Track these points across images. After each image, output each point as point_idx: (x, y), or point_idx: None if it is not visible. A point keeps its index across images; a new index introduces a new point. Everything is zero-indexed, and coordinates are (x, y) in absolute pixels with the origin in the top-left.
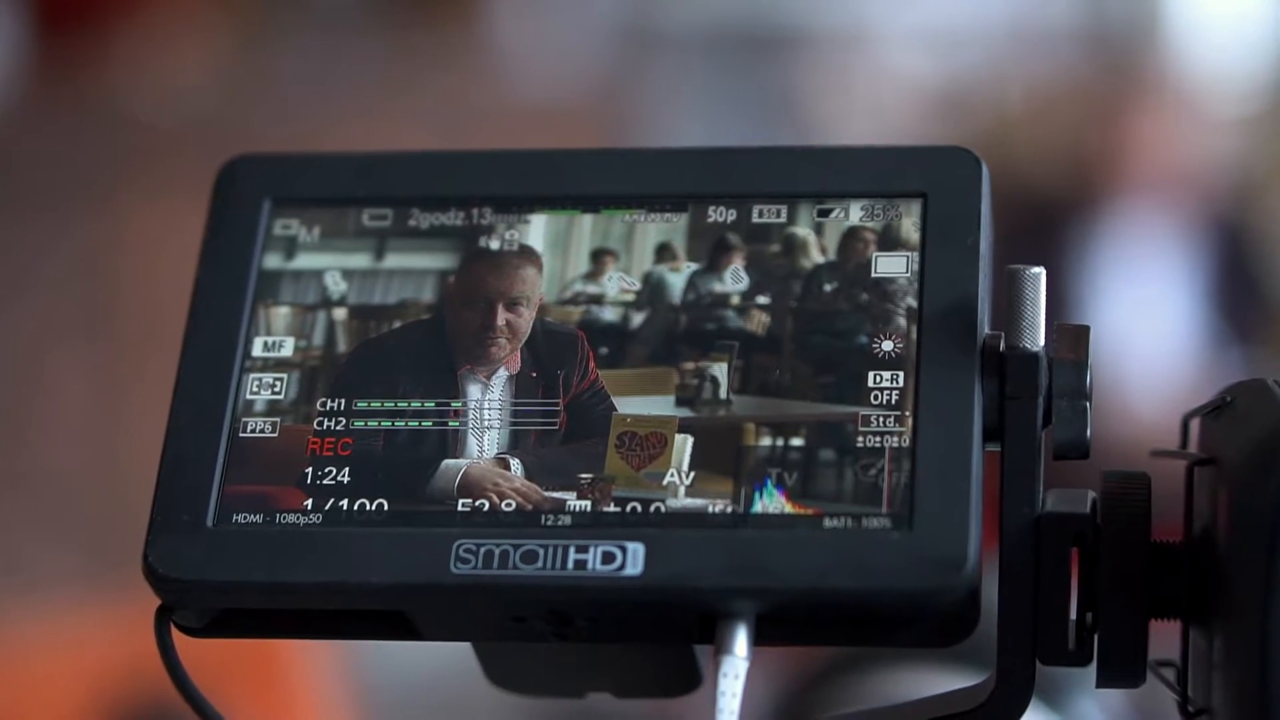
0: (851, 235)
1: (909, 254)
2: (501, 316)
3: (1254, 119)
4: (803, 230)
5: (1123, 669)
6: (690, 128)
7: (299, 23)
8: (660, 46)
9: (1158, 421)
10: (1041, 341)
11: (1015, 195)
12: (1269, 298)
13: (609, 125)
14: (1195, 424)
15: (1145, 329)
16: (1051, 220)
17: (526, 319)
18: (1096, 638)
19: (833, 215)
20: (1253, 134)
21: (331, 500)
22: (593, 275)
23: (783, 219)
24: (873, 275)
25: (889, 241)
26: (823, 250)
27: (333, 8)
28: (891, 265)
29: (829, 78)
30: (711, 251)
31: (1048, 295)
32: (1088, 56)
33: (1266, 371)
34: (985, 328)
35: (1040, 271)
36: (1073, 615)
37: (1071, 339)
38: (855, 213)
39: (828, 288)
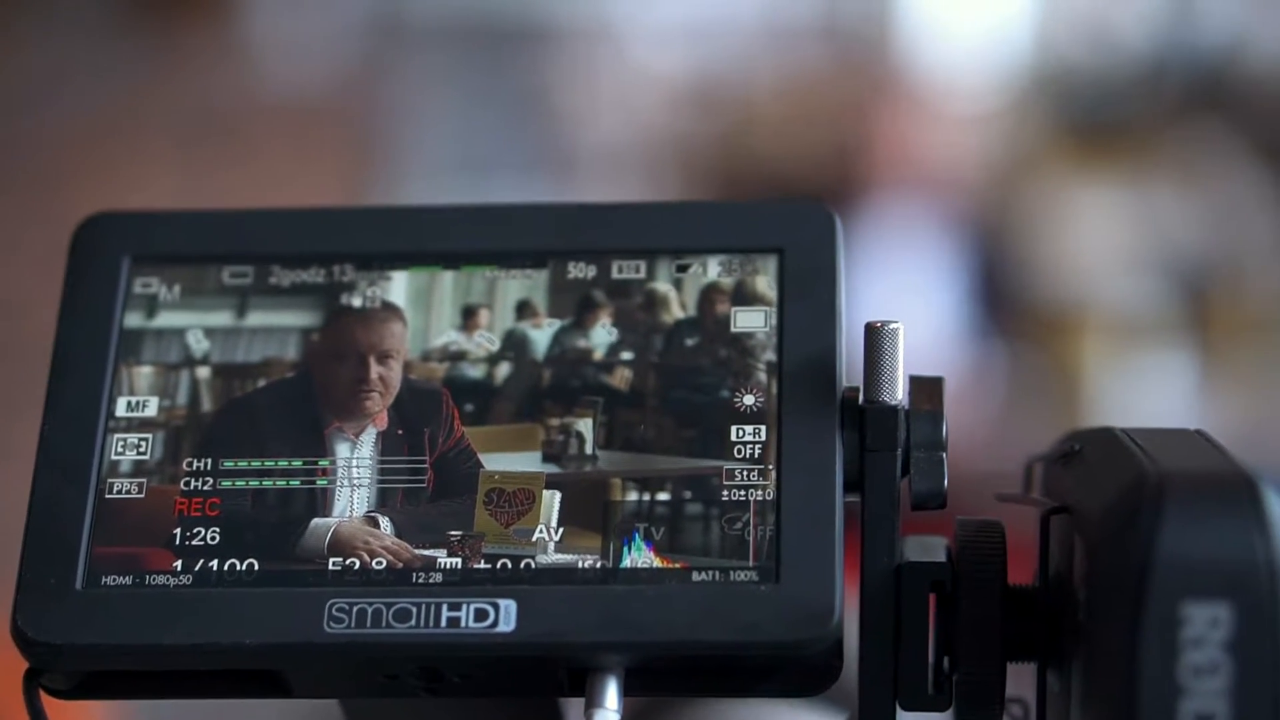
0: (710, 291)
1: (766, 309)
2: (374, 370)
3: (997, 115)
4: (663, 286)
5: (982, 711)
6: (439, 122)
7: (38, 27)
8: (409, 40)
9: None
10: (900, 395)
11: (765, 190)
12: (1025, 291)
13: (359, 121)
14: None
15: (905, 324)
16: None
17: (396, 373)
18: (955, 681)
19: (691, 271)
20: (997, 129)
21: (201, 561)
22: (464, 330)
23: (642, 274)
24: (732, 330)
25: (746, 297)
26: (682, 305)
27: (73, 10)
28: (750, 320)
29: (577, 72)
30: (578, 307)
31: None
32: (833, 53)
33: (1026, 363)
34: (843, 380)
35: (898, 326)
36: (932, 660)
37: (927, 391)
38: (713, 268)
39: (689, 343)
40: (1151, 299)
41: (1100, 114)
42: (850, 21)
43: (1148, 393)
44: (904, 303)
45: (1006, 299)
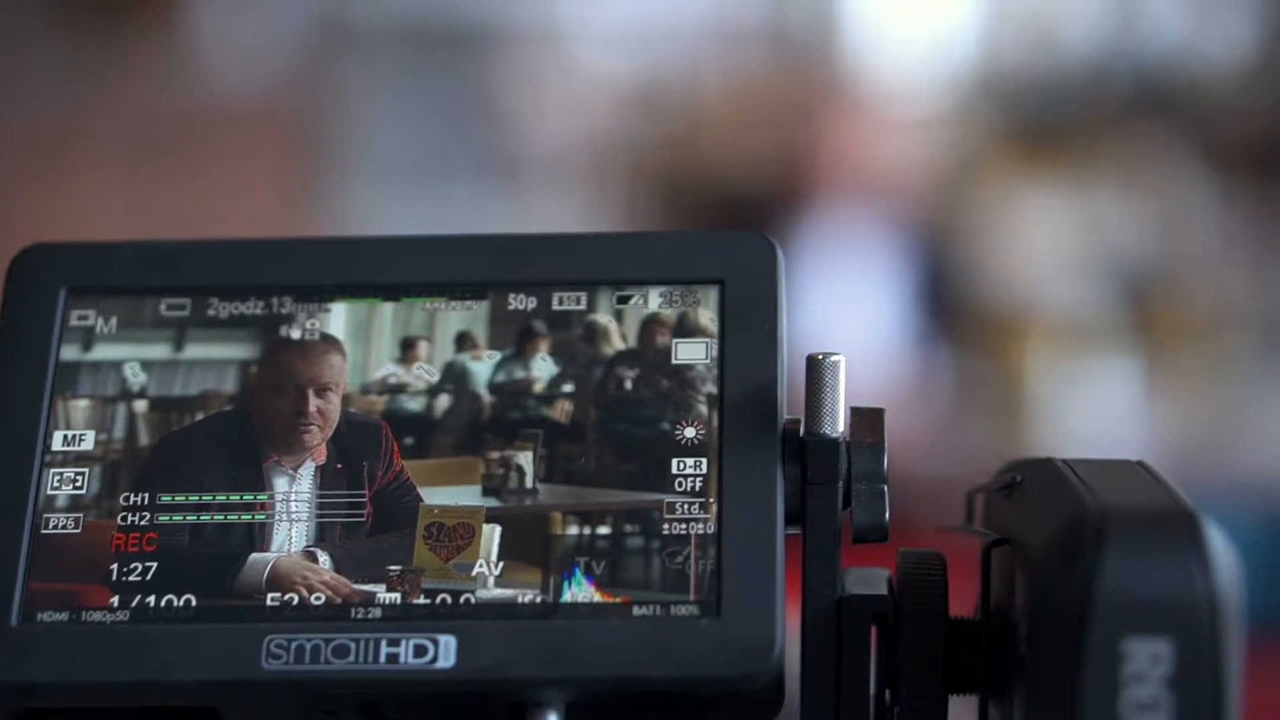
0: (650, 322)
1: (707, 340)
2: (313, 403)
3: (942, 119)
4: (603, 318)
5: None
6: (385, 126)
7: None
8: (354, 45)
9: None
10: (841, 427)
11: (712, 194)
12: (971, 295)
13: (305, 126)
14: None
15: (850, 329)
16: (750, 220)
17: (335, 406)
18: (897, 714)
19: (631, 302)
20: (943, 134)
21: (138, 597)
22: (403, 362)
23: (583, 306)
24: (673, 362)
25: (687, 328)
26: (623, 337)
27: (12, 19)
28: (691, 352)
29: (523, 75)
30: (518, 339)
31: None
32: (779, 57)
33: (971, 368)
34: (784, 412)
35: (840, 359)
36: (873, 693)
37: (868, 423)
38: (654, 300)
39: (629, 375)
40: (1096, 303)
41: (1045, 119)
42: (797, 26)
43: (1093, 397)
44: (850, 307)
45: (952, 304)
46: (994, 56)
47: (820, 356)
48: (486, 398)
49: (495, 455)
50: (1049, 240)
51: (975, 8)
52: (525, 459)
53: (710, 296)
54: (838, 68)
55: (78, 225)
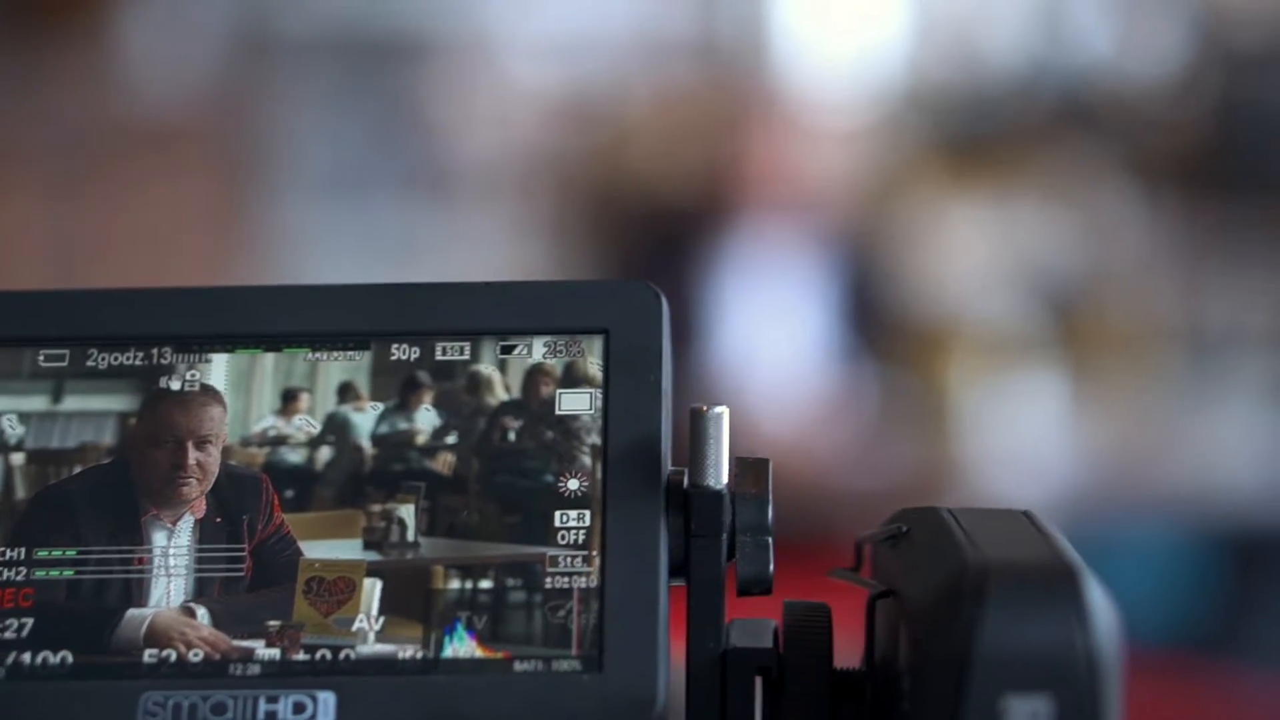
0: (535, 372)
1: (592, 391)
2: (192, 455)
3: (870, 131)
4: (487, 368)
5: None
6: (312, 139)
7: None
8: (280, 56)
9: (786, 436)
10: (725, 479)
11: (638, 206)
12: (897, 309)
13: (230, 139)
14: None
15: (776, 343)
16: (676, 232)
17: (215, 459)
18: None
19: (516, 352)
20: (870, 146)
21: (13, 654)
22: (283, 414)
23: (467, 356)
24: (557, 413)
25: (572, 379)
26: (507, 388)
27: None
28: (575, 403)
29: (452, 86)
30: (402, 389)
31: (675, 310)
32: (708, 69)
33: (897, 382)
34: (668, 463)
35: (723, 411)
36: None
37: (753, 474)
38: (538, 349)
39: (513, 426)
40: (1022, 316)
41: (971, 132)
42: (726, 39)
43: (1019, 410)
44: (776, 320)
45: (878, 317)
46: (921, 70)
47: (704, 408)
48: (369, 450)
49: (377, 508)
50: (975, 253)
51: (903, 21)
52: (407, 512)
53: (595, 346)
54: (766, 81)
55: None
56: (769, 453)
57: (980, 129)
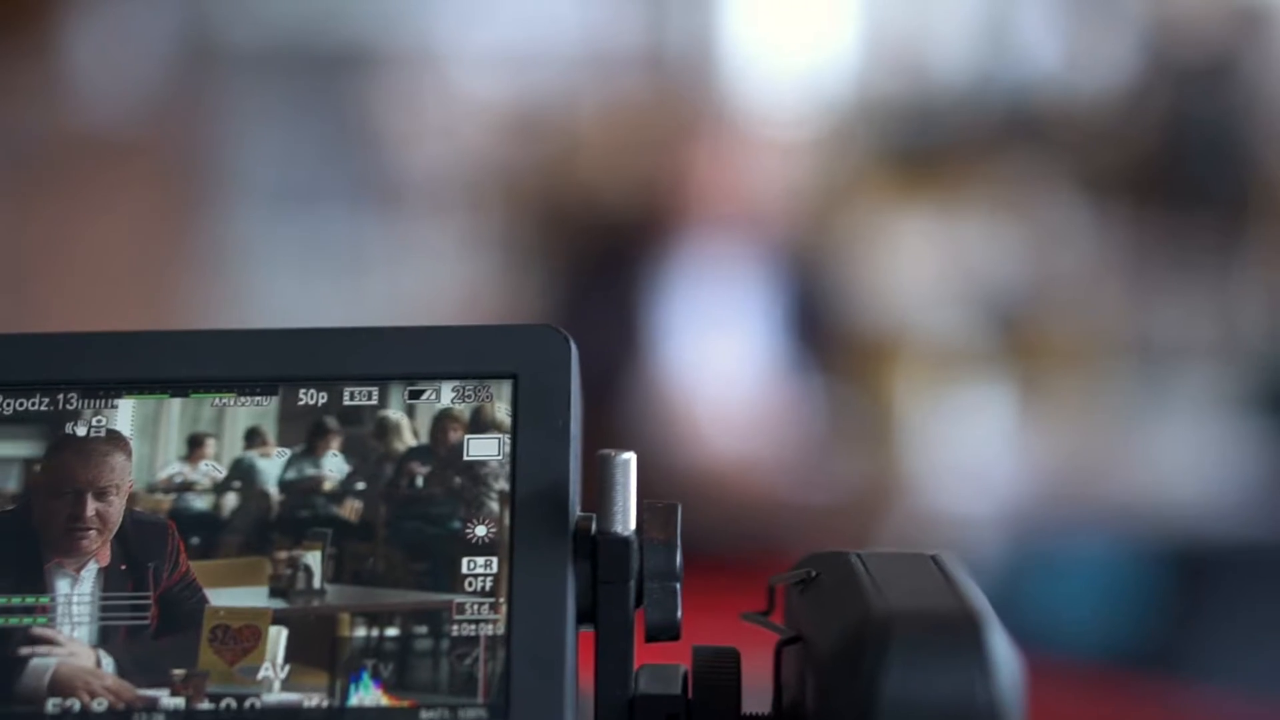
0: (443, 418)
1: (500, 436)
2: (91, 507)
3: (817, 144)
4: (395, 413)
5: None
6: (259, 150)
7: None
8: (228, 68)
9: (732, 448)
10: (633, 525)
11: (586, 219)
12: (842, 322)
13: (177, 151)
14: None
15: (723, 355)
16: (624, 244)
17: (117, 508)
18: None
19: (424, 397)
20: (817, 159)
21: None
22: (189, 460)
23: (374, 401)
24: (465, 458)
25: (480, 424)
26: (415, 433)
27: None
28: (483, 448)
29: (400, 98)
30: (309, 435)
31: (621, 320)
32: (656, 82)
33: (842, 395)
34: (577, 508)
35: (630, 457)
36: None
37: (661, 520)
38: (447, 394)
39: (421, 472)
40: (969, 329)
41: (918, 144)
42: (674, 52)
43: (966, 423)
44: (722, 333)
45: (824, 330)
46: (868, 83)
47: (611, 454)
48: (275, 496)
49: (283, 555)
50: (922, 266)
51: (850, 34)
52: (313, 559)
53: (504, 391)
54: (714, 94)
55: None
56: (715, 465)
57: (927, 141)
